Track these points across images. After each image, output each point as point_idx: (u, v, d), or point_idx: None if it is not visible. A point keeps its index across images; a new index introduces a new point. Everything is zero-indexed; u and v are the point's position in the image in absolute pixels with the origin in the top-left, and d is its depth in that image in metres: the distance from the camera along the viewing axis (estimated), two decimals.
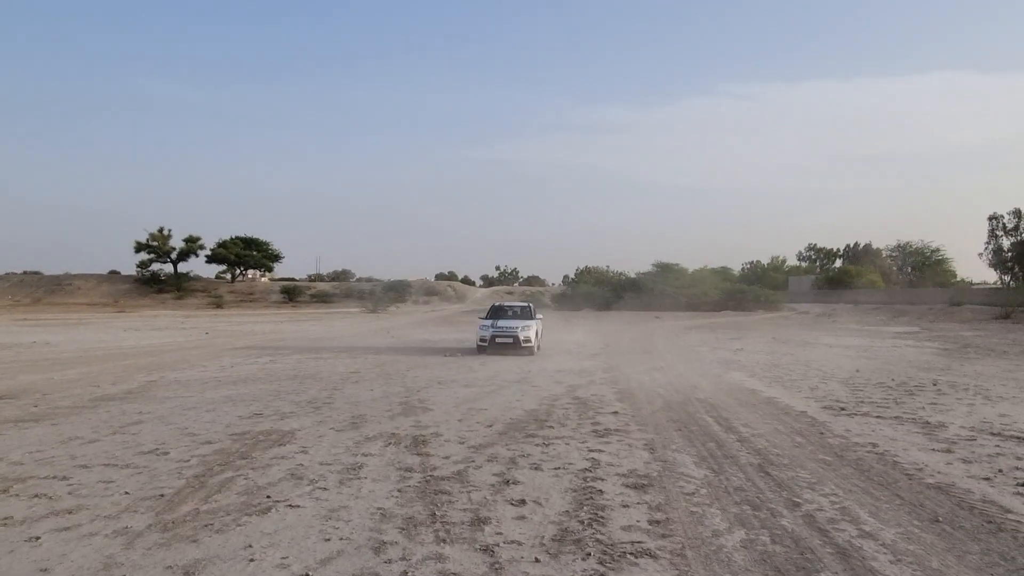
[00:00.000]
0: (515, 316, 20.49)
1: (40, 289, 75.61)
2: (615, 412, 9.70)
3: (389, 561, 4.31)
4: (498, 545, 4.59)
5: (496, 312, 20.99)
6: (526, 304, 22.36)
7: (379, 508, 5.36)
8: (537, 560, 4.36)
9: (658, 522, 5.06)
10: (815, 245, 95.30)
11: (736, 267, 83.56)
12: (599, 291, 60.47)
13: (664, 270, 62.24)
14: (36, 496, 5.69)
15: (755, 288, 60.19)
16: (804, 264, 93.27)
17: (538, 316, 20.77)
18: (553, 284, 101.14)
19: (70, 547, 4.56)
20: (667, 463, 6.81)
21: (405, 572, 4.14)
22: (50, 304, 66.86)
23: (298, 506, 5.42)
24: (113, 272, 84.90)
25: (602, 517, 5.16)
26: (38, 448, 7.41)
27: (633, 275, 64.70)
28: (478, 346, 19.08)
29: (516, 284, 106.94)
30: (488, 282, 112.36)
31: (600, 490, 5.88)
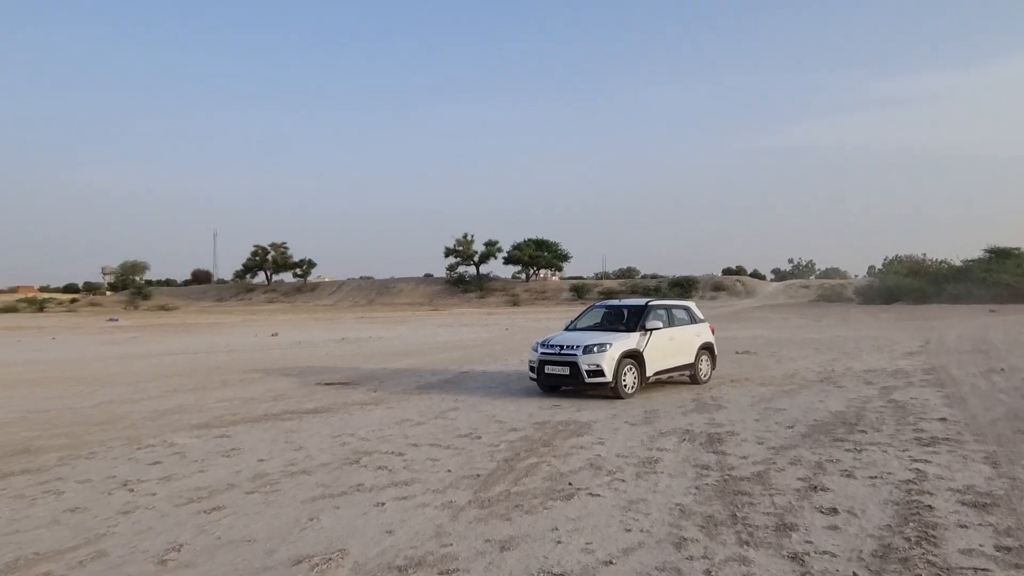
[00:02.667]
0: (609, 324, 12.03)
1: (372, 291, 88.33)
2: (942, 419, 8.48)
3: (691, 558, 4.25)
4: (808, 554, 4.28)
5: (587, 316, 12.79)
6: (642, 303, 12.12)
7: (677, 504, 5.33)
8: (855, 575, 3.98)
9: (1008, 549, 4.31)
10: None
11: None
12: (913, 282, 53.15)
13: (1000, 256, 52.58)
14: (379, 468, 6.65)
15: None
16: None
17: (695, 318, 12.71)
18: (856, 276, 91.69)
19: (408, 514, 5.25)
20: (1017, 481, 5.77)
21: (708, 571, 4.06)
22: (380, 304, 77.78)
23: (598, 495, 5.61)
24: (428, 275, 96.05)
25: (933, 536, 4.55)
26: (378, 427, 8.66)
27: (958, 263, 55.93)
28: (530, 377, 11.41)
29: (812, 277, 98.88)
30: (780, 276, 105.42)
31: (929, 506, 5.18)
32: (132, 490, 6.00)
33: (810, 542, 4.49)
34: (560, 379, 10.64)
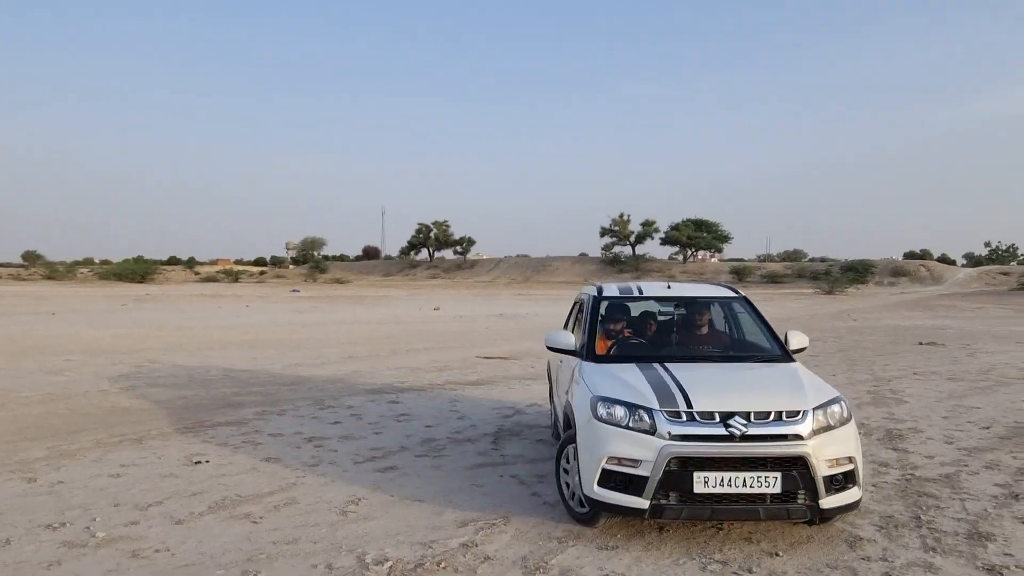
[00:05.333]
0: (667, 337, 5.98)
1: (528, 269, 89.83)
2: None
3: (867, 559, 4.00)
4: (1008, 568, 3.88)
5: (593, 316, 5.69)
6: (732, 294, 5.96)
7: None
8: None
9: None
10: None
11: None
12: None
13: None
14: (539, 440, 6.82)
15: None
16: None
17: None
18: None
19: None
20: None
21: (887, 574, 3.80)
22: (536, 282, 78.98)
23: None
24: (583, 255, 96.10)
25: None
26: (538, 401, 8.86)
27: None
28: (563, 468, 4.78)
29: (1013, 263, 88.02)
30: (973, 261, 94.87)
31: None
32: (318, 446, 6.57)
33: (1010, 555, 4.07)
34: (733, 506, 4.02)
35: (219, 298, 41.04)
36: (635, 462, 4.05)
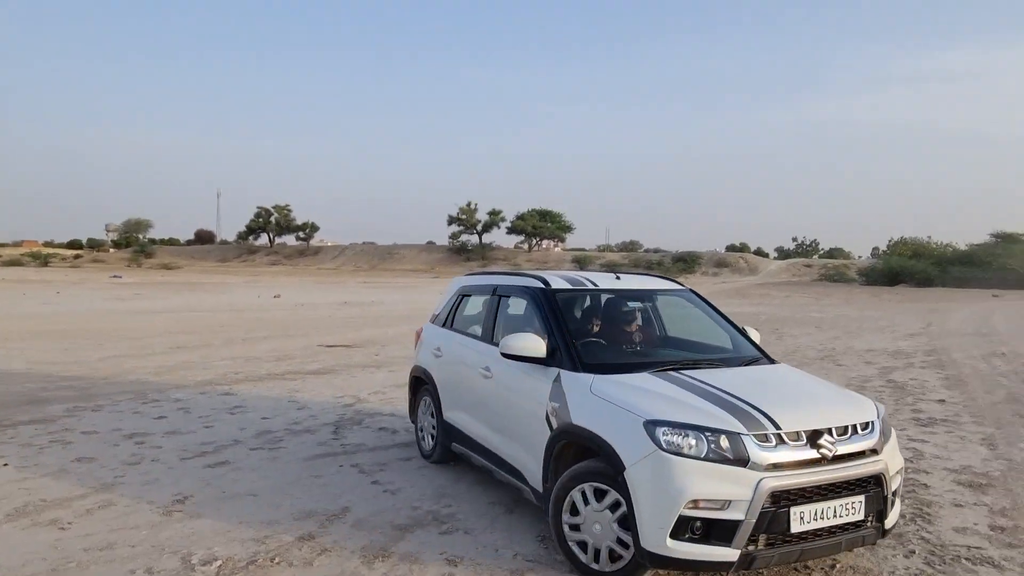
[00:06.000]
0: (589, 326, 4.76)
1: (375, 257, 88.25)
2: (941, 400, 8.53)
3: None
4: None
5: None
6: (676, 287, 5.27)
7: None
8: None
9: (1002, 528, 4.37)
10: None
11: None
12: (918, 265, 52.97)
13: (1006, 242, 52.39)
14: (381, 429, 6.74)
15: None
16: None
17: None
18: (860, 257, 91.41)
19: (410, 476, 5.34)
20: (1013, 463, 5.83)
21: None
22: (383, 270, 77.86)
23: None
24: (430, 243, 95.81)
25: (928, 514, 4.60)
26: (381, 390, 8.74)
27: (964, 247, 55.73)
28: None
29: (815, 257, 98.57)
30: (783, 254, 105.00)
31: (924, 484, 5.25)
32: (140, 443, 6.08)
33: None
34: (819, 541, 3.33)
35: (25, 284, 36.81)
36: (723, 503, 3.16)
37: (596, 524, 3.52)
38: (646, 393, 3.66)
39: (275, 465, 5.50)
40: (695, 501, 3.15)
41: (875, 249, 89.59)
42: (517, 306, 4.98)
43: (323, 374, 9.85)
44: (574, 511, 3.61)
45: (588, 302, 4.94)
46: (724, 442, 3.24)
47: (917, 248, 60.21)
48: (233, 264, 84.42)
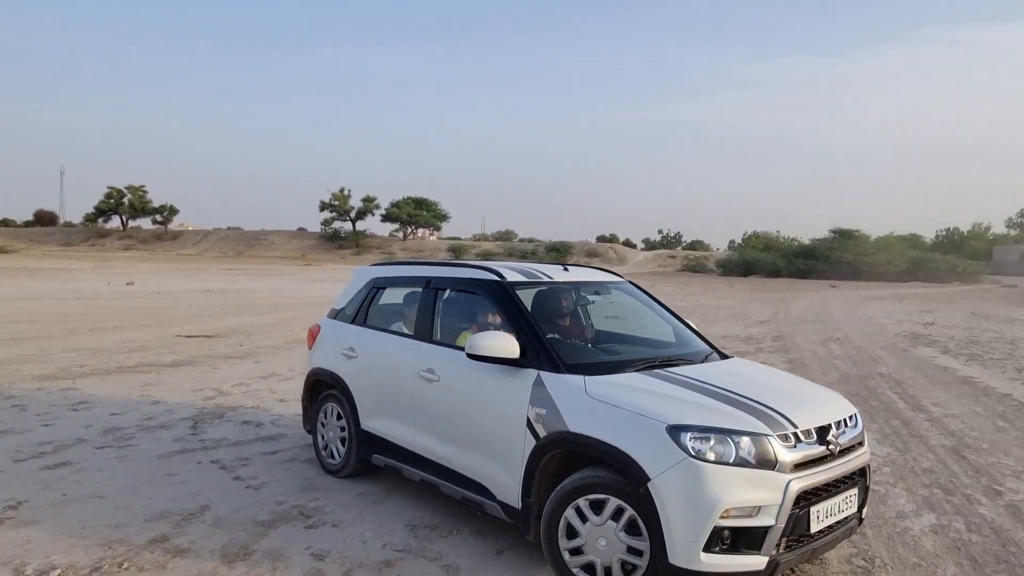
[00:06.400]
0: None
1: (240, 243, 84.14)
2: None
3: None
4: None
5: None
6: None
7: None
8: None
9: None
10: None
11: (929, 234, 75.83)
12: (768, 257, 57.31)
13: (843, 237, 57.75)
14: (245, 423, 6.44)
15: (950, 257, 54.26)
16: (1014, 232, 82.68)
17: None
18: (718, 249, 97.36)
19: (275, 469, 5.15)
20: None
21: None
22: (249, 256, 74.33)
23: None
24: (301, 229, 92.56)
25: None
26: (245, 381, 8.35)
27: (807, 241, 60.76)
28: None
29: (678, 248, 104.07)
30: (650, 246, 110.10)
31: None
32: None
33: None
34: (824, 538, 3.32)
35: None
36: (752, 509, 2.99)
37: (601, 539, 3.20)
38: (653, 395, 3.38)
39: (125, 464, 5.13)
40: (727, 510, 2.95)
41: (731, 242, 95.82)
42: (461, 301, 4.57)
43: (181, 366, 9.28)
44: (571, 533, 3.28)
45: (545, 296, 4.52)
46: (751, 445, 3.06)
47: (768, 242, 65.15)
48: (80, 248, 77.74)
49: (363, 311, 5.13)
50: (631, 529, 3.13)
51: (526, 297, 4.21)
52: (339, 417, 5.02)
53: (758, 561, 3.00)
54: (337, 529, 4.05)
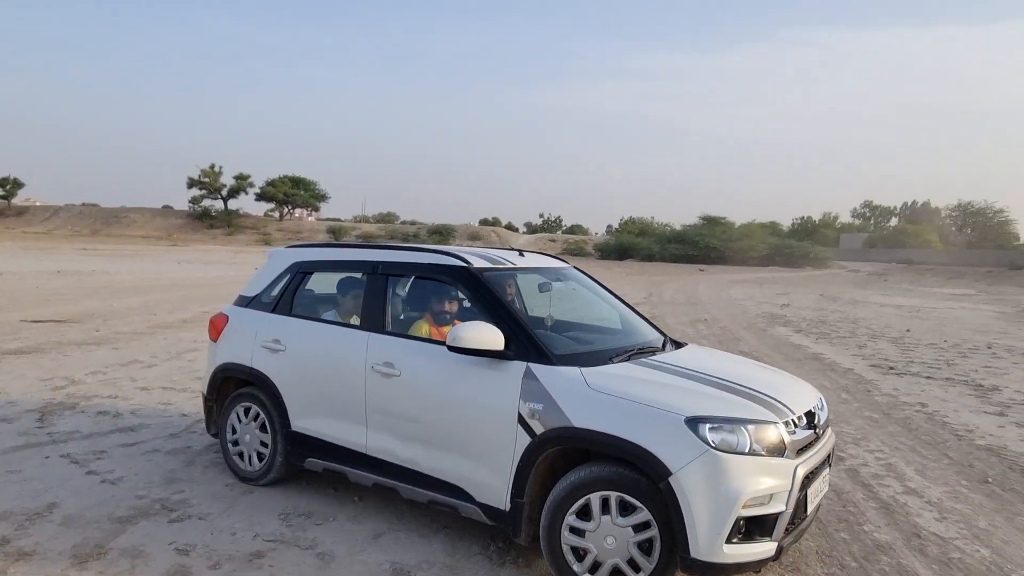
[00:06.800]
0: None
1: (97, 221, 77.95)
2: None
3: None
4: None
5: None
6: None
7: None
8: None
9: None
10: (871, 202, 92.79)
11: (786, 222, 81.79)
12: (643, 242, 59.81)
13: (711, 223, 61.20)
14: (100, 413, 5.99)
15: (804, 244, 58.80)
16: (858, 222, 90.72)
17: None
18: (596, 234, 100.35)
19: (134, 462, 4.82)
20: None
21: None
22: (107, 236, 69.04)
23: None
24: (167, 207, 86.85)
25: None
26: (102, 369, 7.77)
27: (679, 227, 63.84)
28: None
29: (559, 232, 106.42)
30: (531, 229, 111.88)
31: None
32: None
33: None
34: (805, 521, 3.40)
35: None
36: (766, 497, 3.00)
37: (609, 538, 3.09)
38: (659, 386, 3.31)
39: None
40: (747, 500, 2.94)
41: (609, 227, 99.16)
42: (416, 287, 4.28)
43: (27, 353, 8.49)
44: (576, 533, 3.16)
45: (511, 283, 4.35)
46: (763, 433, 3.08)
47: (643, 227, 67.93)
48: None
49: (286, 299, 4.59)
50: (641, 526, 3.04)
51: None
52: (257, 418, 4.50)
53: (770, 547, 3.03)
54: (204, 522, 3.86)
